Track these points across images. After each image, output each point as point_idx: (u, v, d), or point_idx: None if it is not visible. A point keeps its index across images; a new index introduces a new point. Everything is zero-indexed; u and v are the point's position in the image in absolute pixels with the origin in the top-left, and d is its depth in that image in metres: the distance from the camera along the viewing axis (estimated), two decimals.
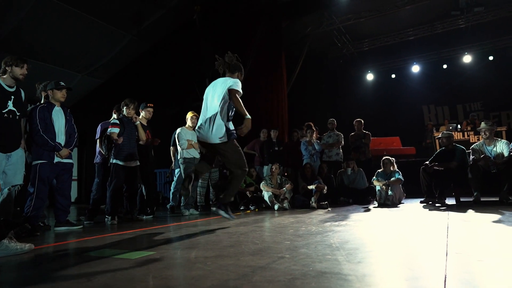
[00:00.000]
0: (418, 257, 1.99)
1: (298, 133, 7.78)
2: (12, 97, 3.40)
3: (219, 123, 3.34)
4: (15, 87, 3.46)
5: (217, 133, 3.33)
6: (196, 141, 5.57)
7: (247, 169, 3.57)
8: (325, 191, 6.03)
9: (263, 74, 9.58)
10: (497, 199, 5.25)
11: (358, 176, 6.82)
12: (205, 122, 3.41)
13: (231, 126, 3.45)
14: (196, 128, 3.56)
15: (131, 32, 9.06)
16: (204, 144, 3.51)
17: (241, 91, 3.40)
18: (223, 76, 3.68)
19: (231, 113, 3.45)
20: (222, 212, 3.54)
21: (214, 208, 3.61)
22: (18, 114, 3.46)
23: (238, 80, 3.46)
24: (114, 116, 5.18)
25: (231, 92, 3.34)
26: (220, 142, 3.35)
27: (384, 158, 6.35)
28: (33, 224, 3.57)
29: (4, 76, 3.39)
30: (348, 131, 7.88)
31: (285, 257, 1.97)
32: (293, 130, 7.98)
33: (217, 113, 3.35)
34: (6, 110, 3.33)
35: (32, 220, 3.60)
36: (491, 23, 11.14)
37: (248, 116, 3.35)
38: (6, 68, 3.38)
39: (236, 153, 3.45)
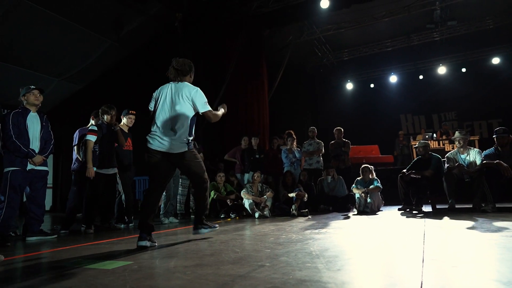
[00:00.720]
0: (396, 264, 2.03)
1: (278, 140, 7.83)
2: None
3: (184, 132, 3.07)
4: None
5: (182, 142, 3.05)
6: None
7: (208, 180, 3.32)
8: (305, 198, 6.07)
9: (244, 82, 9.62)
10: (471, 206, 5.42)
11: (338, 184, 6.90)
12: (166, 132, 3.05)
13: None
14: (152, 136, 3.09)
15: (111, 37, 8.93)
16: (162, 156, 3.05)
17: (209, 106, 3.18)
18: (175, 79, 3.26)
19: (193, 128, 3.22)
20: (202, 231, 3.30)
21: (193, 233, 3.34)
22: None
23: (201, 94, 3.16)
24: (92, 122, 5.07)
25: (206, 115, 3.20)
26: (185, 150, 3.06)
27: (363, 166, 6.46)
28: (3, 234, 3.43)
29: None
30: (328, 139, 7.99)
31: (265, 266, 1.96)
32: (273, 138, 8.02)
33: (182, 126, 3.07)
34: None
35: (2, 230, 3.45)
36: (463, 36, 11.63)
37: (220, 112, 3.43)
38: None
39: (200, 163, 3.20)
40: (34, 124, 3.81)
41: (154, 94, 3.27)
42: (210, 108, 3.20)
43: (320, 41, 12.46)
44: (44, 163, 3.90)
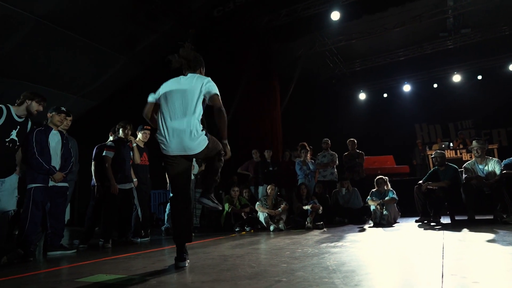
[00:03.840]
0: (414, 279, 2.00)
1: (289, 153, 7.84)
2: (18, 127, 3.57)
3: (200, 132, 2.73)
4: (24, 118, 3.63)
5: (201, 140, 2.72)
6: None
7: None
8: (320, 211, 6.02)
9: (256, 96, 9.69)
10: (491, 217, 5.28)
11: (352, 196, 6.84)
12: (178, 132, 2.69)
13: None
14: (162, 138, 2.75)
15: (125, 54, 9.18)
16: (177, 159, 2.80)
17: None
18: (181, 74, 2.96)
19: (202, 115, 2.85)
20: (206, 201, 2.85)
21: (199, 199, 2.90)
22: (18, 144, 3.58)
23: (214, 84, 2.83)
24: (110, 138, 5.19)
25: (214, 99, 2.73)
26: (204, 147, 2.75)
27: (377, 177, 6.39)
28: (26, 249, 3.52)
29: (19, 107, 3.58)
30: (342, 151, 7.95)
31: (282, 281, 1.96)
32: (285, 151, 8.05)
33: (196, 122, 2.72)
34: (9, 139, 3.46)
35: (25, 245, 3.54)
36: (478, 44, 11.48)
37: (226, 141, 2.82)
38: (26, 100, 3.58)
39: (215, 142, 2.86)
40: (55, 142, 3.93)
41: (160, 89, 2.92)
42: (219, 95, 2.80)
43: (332, 52, 12.51)
44: (64, 179, 4.01)
